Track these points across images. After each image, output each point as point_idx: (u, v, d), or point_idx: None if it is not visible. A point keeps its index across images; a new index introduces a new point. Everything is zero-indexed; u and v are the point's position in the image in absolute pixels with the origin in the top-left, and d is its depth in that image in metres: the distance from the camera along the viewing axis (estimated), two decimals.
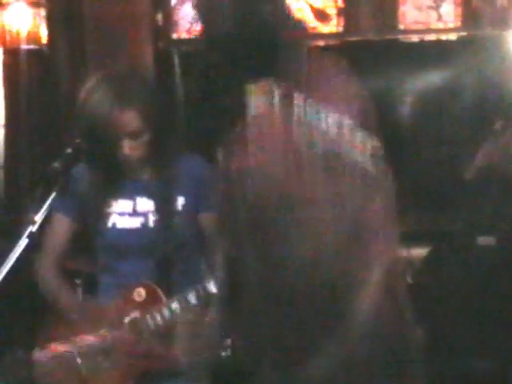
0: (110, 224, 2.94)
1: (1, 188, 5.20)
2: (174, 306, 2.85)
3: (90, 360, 2.89)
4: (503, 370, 4.10)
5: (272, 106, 2.11)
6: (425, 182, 5.11)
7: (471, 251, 4.24)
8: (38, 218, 2.59)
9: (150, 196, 2.94)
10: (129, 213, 2.94)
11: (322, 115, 2.09)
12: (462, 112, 4.98)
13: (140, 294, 2.90)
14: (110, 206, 2.95)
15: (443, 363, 3.85)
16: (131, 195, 2.95)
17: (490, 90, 4.77)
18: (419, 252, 4.14)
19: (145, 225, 2.93)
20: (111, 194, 2.97)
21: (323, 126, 2.11)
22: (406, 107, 4.91)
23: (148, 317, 2.87)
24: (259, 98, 2.15)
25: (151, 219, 2.93)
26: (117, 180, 2.96)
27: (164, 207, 2.93)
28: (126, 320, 2.89)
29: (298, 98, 2.10)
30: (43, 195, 2.69)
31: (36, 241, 2.72)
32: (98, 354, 2.90)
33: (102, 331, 2.90)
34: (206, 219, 2.97)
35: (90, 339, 2.90)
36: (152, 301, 2.89)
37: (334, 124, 2.10)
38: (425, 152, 4.90)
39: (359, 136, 2.09)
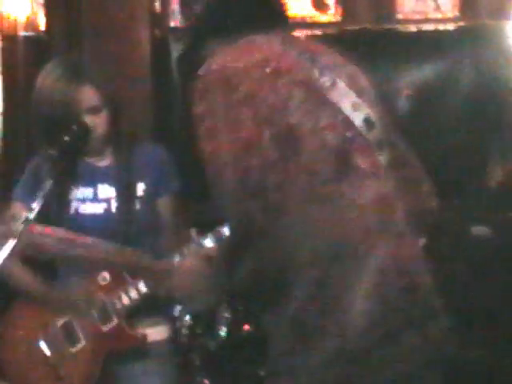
0: (72, 211, 2.94)
1: None
2: (185, 250, 2.85)
3: (56, 343, 2.91)
4: (496, 361, 4.10)
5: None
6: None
7: (466, 242, 4.24)
8: (35, 205, 2.59)
9: (110, 182, 2.96)
10: (90, 199, 2.95)
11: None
12: (459, 103, 4.96)
13: (105, 277, 2.90)
14: (70, 192, 2.95)
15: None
16: (92, 182, 2.96)
17: (488, 80, 4.75)
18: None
19: (107, 210, 2.95)
20: (71, 181, 2.95)
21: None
22: (403, 97, 4.88)
23: (114, 294, 2.88)
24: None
25: (113, 205, 2.95)
26: (74, 165, 2.91)
27: (125, 193, 2.95)
28: (92, 298, 2.89)
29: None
30: (42, 182, 2.69)
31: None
32: (63, 337, 2.91)
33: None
34: (164, 203, 3.01)
35: (55, 322, 2.90)
36: (117, 283, 2.89)
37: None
38: (422, 142, 4.92)
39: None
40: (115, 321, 2.87)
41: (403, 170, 2.15)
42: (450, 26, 5.05)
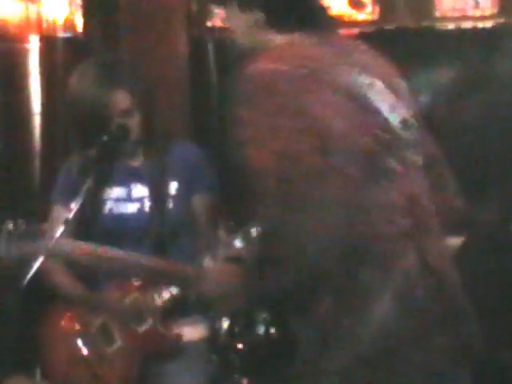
0: (106, 210, 2.96)
1: (37, 176, 5.22)
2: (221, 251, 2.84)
3: (93, 344, 2.94)
4: None
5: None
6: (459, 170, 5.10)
7: (506, 241, 4.20)
8: (74, 205, 2.62)
9: (143, 182, 2.97)
10: (124, 199, 2.97)
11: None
12: (499, 100, 4.93)
13: (133, 281, 2.92)
14: (106, 192, 2.97)
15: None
16: (125, 182, 2.98)
17: None
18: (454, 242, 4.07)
19: (141, 210, 2.96)
20: (107, 181, 2.97)
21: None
22: (441, 96, 4.86)
23: (148, 296, 2.89)
24: None
25: (146, 204, 2.96)
26: (110, 165, 2.95)
27: (158, 192, 2.96)
28: (127, 300, 2.90)
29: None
30: (79, 183, 2.74)
31: (72, 228, 2.79)
32: (100, 338, 2.94)
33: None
34: (199, 201, 3.01)
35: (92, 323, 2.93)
36: (150, 283, 2.90)
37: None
38: (462, 138, 4.87)
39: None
40: (150, 321, 2.90)
41: (433, 169, 2.16)
42: (489, 24, 5.03)
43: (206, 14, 5.41)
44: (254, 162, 2.00)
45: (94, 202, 2.94)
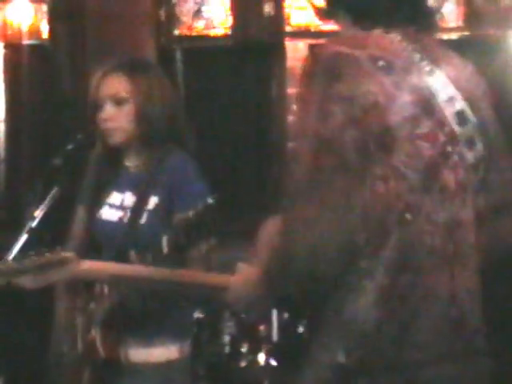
0: (99, 215, 2.95)
1: (1, 183, 5.28)
2: None
3: None
4: None
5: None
6: None
7: None
8: (38, 213, 2.63)
9: (134, 191, 2.93)
10: (116, 206, 2.94)
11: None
12: None
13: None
14: (107, 197, 2.95)
15: None
16: (122, 188, 2.94)
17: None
18: None
19: (121, 219, 2.92)
20: (108, 185, 2.95)
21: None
22: None
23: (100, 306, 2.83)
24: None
25: (127, 215, 2.92)
26: (113, 169, 2.93)
27: (136, 204, 2.91)
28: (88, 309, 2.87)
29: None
30: (43, 191, 2.75)
31: (35, 236, 2.79)
32: None
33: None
34: (179, 222, 2.82)
35: None
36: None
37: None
38: None
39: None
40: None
41: (491, 174, 2.12)
42: (455, 36, 5.20)
43: (173, 23, 5.55)
44: (296, 142, 2.01)
45: (96, 205, 2.94)
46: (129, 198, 2.92)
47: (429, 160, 1.94)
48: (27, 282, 2.74)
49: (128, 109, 2.84)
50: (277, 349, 4.39)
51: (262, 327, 4.40)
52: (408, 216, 1.92)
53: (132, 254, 2.79)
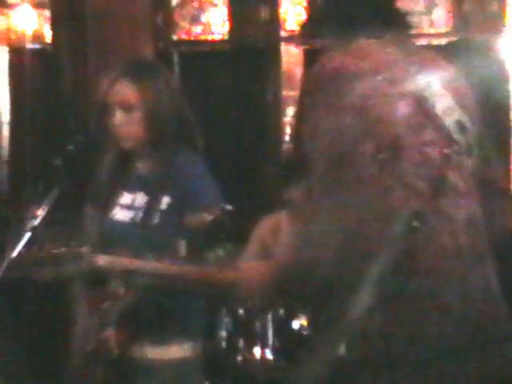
0: (111, 215, 2.90)
1: (5, 183, 5.31)
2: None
3: None
4: None
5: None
6: None
7: None
8: (40, 212, 2.70)
9: (146, 191, 2.87)
10: (128, 206, 2.89)
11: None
12: None
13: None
14: (118, 197, 2.92)
15: None
16: (134, 189, 2.89)
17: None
18: None
19: (133, 219, 2.87)
20: (119, 186, 2.92)
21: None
22: None
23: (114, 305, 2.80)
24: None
25: (139, 215, 2.86)
26: (128, 169, 2.89)
27: (149, 205, 2.86)
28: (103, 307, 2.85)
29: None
30: (45, 191, 2.80)
31: (37, 235, 2.82)
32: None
33: None
34: (193, 219, 2.80)
35: None
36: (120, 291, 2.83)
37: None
38: None
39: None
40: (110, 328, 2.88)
41: (486, 173, 2.13)
42: (444, 41, 5.16)
43: (171, 28, 5.53)
44: (309, 153, 1.98)
45: (107, 205, 2.93)
46: (141, 199, 2.87)
47: (435, 166, 1.94)
48: (43, 274, 2.78)
49: (137, 114, 2.81)
50: (272, 344, 4.31)
51: (257, 323, 4.29)
52: (416, 224, 1.89)
53: (149, 256, 2.74)
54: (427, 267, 1.92)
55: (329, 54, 2.07)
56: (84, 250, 2.78)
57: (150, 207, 2.85)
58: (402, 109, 1.96)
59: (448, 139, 1.98)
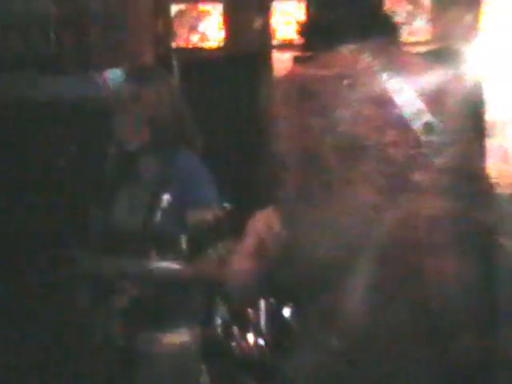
0: (114, 214, 2.92)
1: None
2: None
3: None
4: None
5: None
6: None
7: None
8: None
9: (148, 190, 2.87)
10: (130, 205, 2.89)
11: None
12: None
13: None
14: (121, 196, 2.93)
15: None
16: (136, 189, 2.90)
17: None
18: None
19: (135, 218, 2.86)
20: (122, 185, 2.93)
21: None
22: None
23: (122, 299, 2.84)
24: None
25: (142, 213, 2.85)
26: (123, 167, 2.91)
27: (150, 204, 2.85)
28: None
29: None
30: None
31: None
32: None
33: None
34: (193, 215, 2.81)
35: None
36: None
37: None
38: None
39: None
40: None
41: (465, 171, 2.10)
42: (423, 49, 5.13)
43: (170, 36, 5.64)
44: (281, 155, 2.02)
45: (109, 204, 2.94)
46: (142, 198, 2.87)
47: (398, 165, 1.96)
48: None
49: (140, 117, 2.83)
50: (265, 331, 4.13)
51: (250, 312, 4.05)
52: (375, 216, 1.93)
53: (153, 253, 2.77)
54: (385, 257, 1.94)
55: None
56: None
57: (152, 205, 2.84)
58: (365, 112, 1.98)
59: (415, 141, 1.98)
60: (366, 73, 2.04)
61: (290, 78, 2.13)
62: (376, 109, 1.99)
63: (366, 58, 2.07)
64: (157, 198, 2.83)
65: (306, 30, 2.20)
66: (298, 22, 2.26)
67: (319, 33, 2.16)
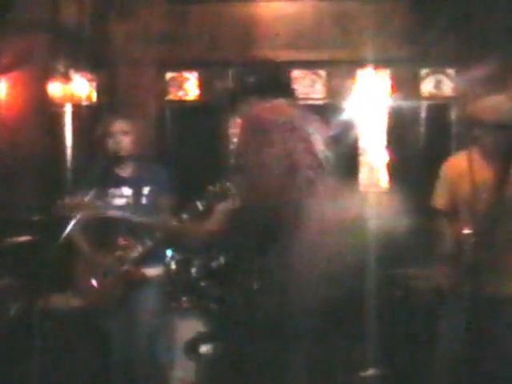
0: (105, 201, 3.94)
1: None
2: (184, 216, 3.65)
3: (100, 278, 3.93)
4: None
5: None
6: None
7: None
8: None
9: (129, 186, 3.98)
10: (118, 195, 3.97)
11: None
12: None
13: (121, 240, 3.93)
14: (110, 190, 4.00)
15: None
16: (119, 185, 4.04)
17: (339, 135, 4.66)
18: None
19: (127, 202, 3.96)
20: (109, 183, 3.98)
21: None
22: None
23: (129, 251, 3.92)
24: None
25: (131, 199, 3.95)
26: (112, 174, 3.92)
27: (137, 193, 3.95)
28: (116, 254, 3.91)
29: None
30: None
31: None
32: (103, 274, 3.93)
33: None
34: (161, 200, 4.00)
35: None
36: (129, 244, 3.92)
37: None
38: None
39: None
40: (129, 265, 3.94)
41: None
42: (320, 103, 6.33)
43: (166, 92, 6.86)
44: (242, 163, 2.44)
45: (103, 195, 3.99)
46: (127, 191, 3.98)
47: (308, 179, 2.35)
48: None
49: (130, 138, 3.94)
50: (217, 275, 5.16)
51: (212, 263, 5.27)
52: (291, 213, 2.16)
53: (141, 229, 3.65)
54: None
55: (256, 110, 2.57)
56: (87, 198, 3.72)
57: (137, 193, 3.94)
58: (293, 141, 2.45)
59: (317, 162, 2.41)
60: (298, 121, 2.51)
61: (250, 118, 2.53)
62: (303, 143, 2.38)
63: (292, 109, 2.56)
64: (140, 189, 3.97)
65: (241, 91, 2.70)
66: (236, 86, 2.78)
67: (250, 93, 2.66)
